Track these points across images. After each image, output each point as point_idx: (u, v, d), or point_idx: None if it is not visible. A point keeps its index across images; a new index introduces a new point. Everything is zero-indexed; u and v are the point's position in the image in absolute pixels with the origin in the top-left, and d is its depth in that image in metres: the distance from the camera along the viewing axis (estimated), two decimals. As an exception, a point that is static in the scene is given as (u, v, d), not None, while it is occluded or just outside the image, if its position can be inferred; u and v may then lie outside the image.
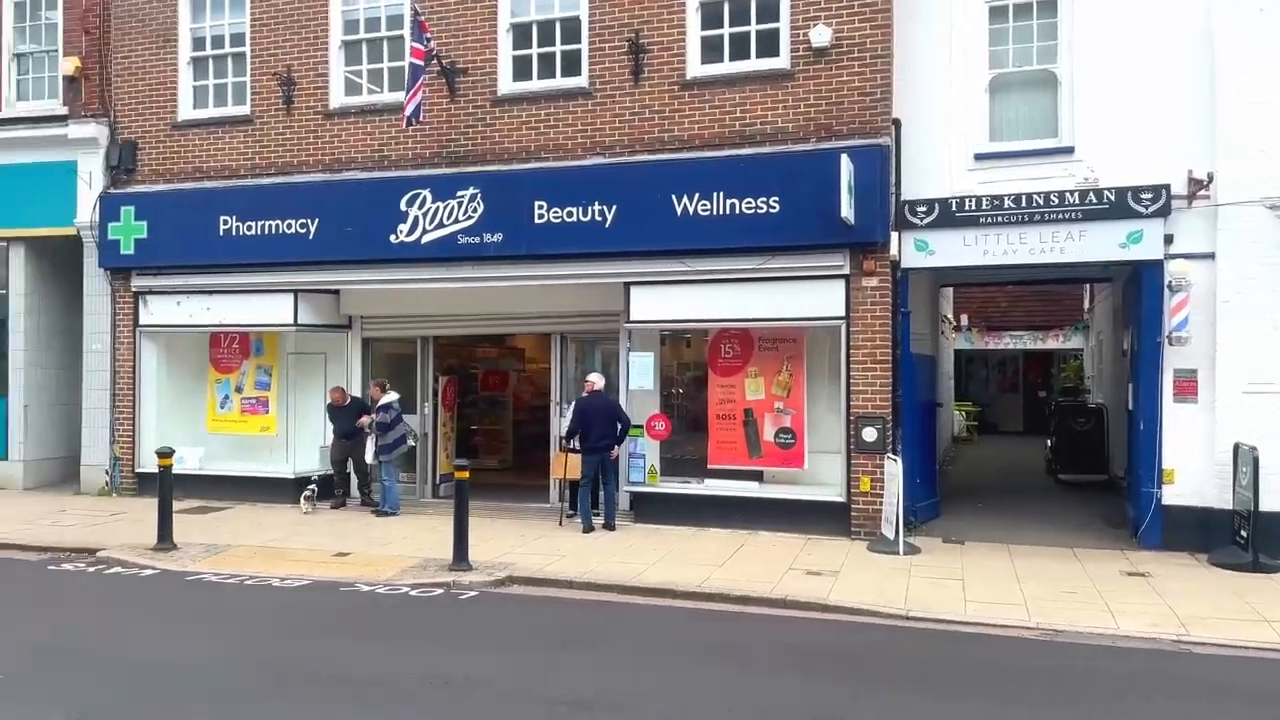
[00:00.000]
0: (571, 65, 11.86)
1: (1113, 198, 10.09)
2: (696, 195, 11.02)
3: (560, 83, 11.88)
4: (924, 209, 10.64)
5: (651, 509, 11.58)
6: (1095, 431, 16.17)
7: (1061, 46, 10.68)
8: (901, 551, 9.80)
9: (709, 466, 11.65)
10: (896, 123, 10.68)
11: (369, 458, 12.36)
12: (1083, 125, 10.44)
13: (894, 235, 10.60)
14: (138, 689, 6.06)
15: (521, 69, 12.07)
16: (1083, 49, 10.48)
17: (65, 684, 6.15)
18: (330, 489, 12.84)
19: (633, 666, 6.63)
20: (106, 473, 13.66)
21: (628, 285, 11.46)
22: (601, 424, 11.01)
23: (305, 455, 13.28)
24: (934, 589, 8.52)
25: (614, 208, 11.30)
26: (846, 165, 10.15)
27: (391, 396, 12.31)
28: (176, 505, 10.60)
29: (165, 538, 10.07)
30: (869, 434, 10.58)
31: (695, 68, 11.36)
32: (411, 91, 11.45)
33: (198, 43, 13.48)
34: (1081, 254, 10.28)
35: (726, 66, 11.27)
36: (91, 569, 9.56)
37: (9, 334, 14.18)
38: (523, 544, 10.37)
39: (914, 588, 8.55)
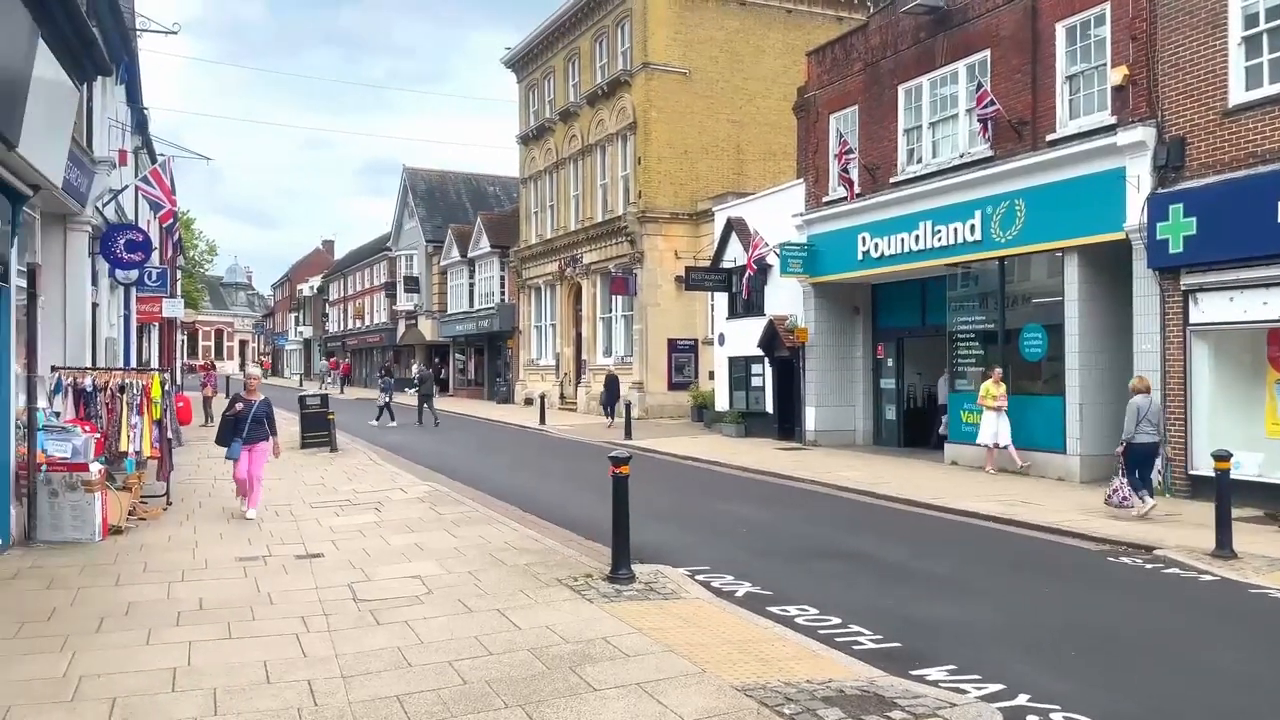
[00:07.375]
0: None
1: None
2: None
3: None
4: None
5: None
6: None
7: None
8: None
9: None
10: None
11: None
12: None
13: None
14: (1211, 698, 5.87)
15: None
16: None
17: (1131, 675, 6.32)
18: None
19: None
20: (1158, 472, 13.67)
21: None
22: None
23: (1392, 470, 11.21)
24: None
25: None
26: None
27: None
28: (1233, 512, 9.99)
29: (1224, 544, 9.59)
30: None
31: None
32: None
33: (1249, 20, 12.53)
34: None
35: None
36: (1148, 565, 9.64)
37: (1064, 337, 15.34)
38: None
39: None
